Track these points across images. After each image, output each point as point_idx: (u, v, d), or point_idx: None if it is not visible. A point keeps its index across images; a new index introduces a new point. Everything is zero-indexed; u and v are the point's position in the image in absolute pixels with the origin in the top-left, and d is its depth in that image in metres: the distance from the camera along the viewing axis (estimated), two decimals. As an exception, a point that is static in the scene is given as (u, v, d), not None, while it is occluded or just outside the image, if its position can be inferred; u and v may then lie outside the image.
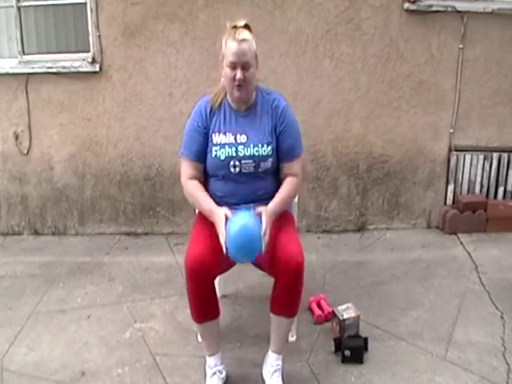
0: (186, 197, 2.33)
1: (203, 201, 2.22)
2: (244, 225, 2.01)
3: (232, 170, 2.21)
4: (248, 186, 2.24)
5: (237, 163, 2.20)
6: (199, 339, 2.56)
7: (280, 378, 2.23)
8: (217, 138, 2.23)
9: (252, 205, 2.19)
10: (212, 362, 2.26)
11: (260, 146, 2.21)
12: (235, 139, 2.22)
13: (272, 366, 2.24)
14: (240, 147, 2.20)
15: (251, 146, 2.21)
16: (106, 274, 3.26)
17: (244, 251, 2.03)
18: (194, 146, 2.26)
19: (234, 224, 2.02)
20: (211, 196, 2.26)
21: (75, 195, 3.78)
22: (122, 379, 2.35)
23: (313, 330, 2.63)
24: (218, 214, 2.11)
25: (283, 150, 2.26)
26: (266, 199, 2.23)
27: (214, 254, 2.09)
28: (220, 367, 2.26)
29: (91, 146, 3.69)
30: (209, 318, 2.18)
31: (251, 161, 2.20)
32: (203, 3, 3.40)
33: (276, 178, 2.32)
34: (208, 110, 2.26)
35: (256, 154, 2.20)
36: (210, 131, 2.25)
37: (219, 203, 2.22)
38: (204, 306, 2.16)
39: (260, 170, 2.22)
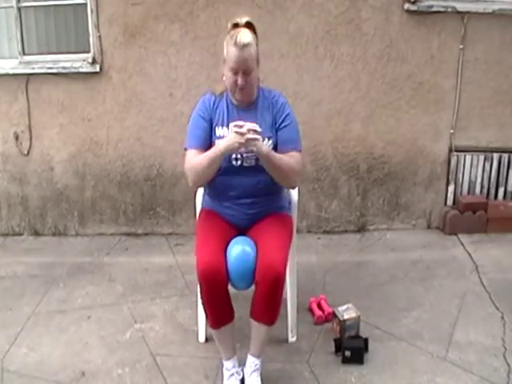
0: (197, 175, 2.22)
1: (207, 154, 2.17)
2: (242, 250, 2.12)
3: (234, 162, 2.22)
4: (249, 179, 2.24)
5: (239, 156, 2.21)
6: (200, 339, 2.56)
7: (259, 378, 2.22)
8: (220, 132, 2.25)
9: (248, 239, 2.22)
10: (229, 365, 2.25)
11: (261, 139, 2.21)
12: None
13: (250, 366, 2.23)
14: None
15: None
16: (107, 274, 3.25)
17: (242, 276, 2.12)
18: (200, 133, 2.25)
19: (233, 250, 2.13)
20: (212, 191, 2.32)
21: (75, 196, 3.78)
22: (122, 380, 2.34)
23: (313, 330, 2.63)
24: (223, 140, 2.12)
25: (282, 142, 2.26)
26: (265, 193, 2.24)
27: (224, 256, 2.12)
28: (238, 369, 2.25)
29: (91, 146, 3.68)
30: (224, 322, 2.18)
31: (252, 154, 2.19)
32: (204, 3, 3.41)
33: None
34: (211, 103, 2.29)
35: None
36: (214, 123, 2.26)
37: (220, 197, 2.26)
38: (220, 312, 2.15)
39: (261, 163, 2.21)
